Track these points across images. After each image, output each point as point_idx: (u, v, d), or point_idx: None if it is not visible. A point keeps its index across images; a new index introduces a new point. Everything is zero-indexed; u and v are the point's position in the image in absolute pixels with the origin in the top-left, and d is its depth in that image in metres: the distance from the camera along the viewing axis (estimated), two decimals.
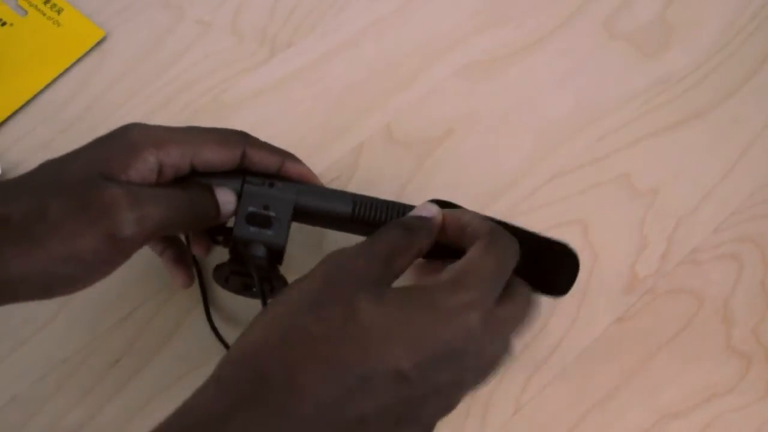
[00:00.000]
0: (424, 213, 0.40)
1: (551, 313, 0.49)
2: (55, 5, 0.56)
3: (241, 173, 0.42)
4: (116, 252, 0.37)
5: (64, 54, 0.54)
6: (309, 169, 0.44)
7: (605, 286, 0.50)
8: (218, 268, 0.43)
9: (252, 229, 0.41)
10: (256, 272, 0.41)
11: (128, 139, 0.39)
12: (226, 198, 0.41)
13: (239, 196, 0.42)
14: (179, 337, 0.47)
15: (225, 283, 0.44)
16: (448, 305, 0.32)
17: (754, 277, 0.51)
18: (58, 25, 0.55)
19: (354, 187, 0.49)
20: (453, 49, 0.56)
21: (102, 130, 0.39)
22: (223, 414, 0.30)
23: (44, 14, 0.55)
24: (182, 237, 0.47)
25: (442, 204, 0.41)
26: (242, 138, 0.42)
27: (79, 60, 0.55)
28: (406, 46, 0.56)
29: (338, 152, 0.53)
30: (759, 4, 0.59)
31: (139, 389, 0.46)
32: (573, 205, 0.52)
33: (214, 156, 0.41)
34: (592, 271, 0.50)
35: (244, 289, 0.44)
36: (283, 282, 0.43)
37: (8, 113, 0.53)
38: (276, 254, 0.42)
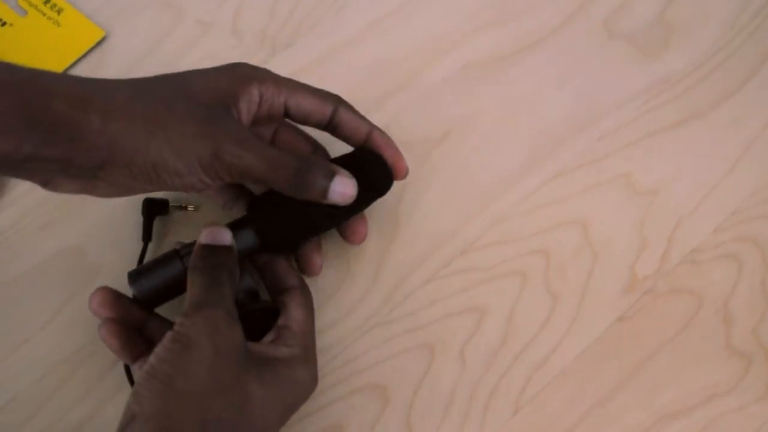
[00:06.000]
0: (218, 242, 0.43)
1: (551, 313, 0.49)
2: (55, 5, 0.56)
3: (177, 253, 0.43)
4: (215, 166, 0.40)
5: (64, 54, 0.54)
6: (395, 144, 0.46)
7: (605, 286, 0.50)
8: None
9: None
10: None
11: (238, 72, 0.43)
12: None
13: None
14: None
15: None
16: (305, 380, 0.42)
17: (754, 277, 0.51)
18: (58, 25, 0.55)
19: None
20: (453, 49, 0.56)
21: None
22: None
23: (44, 14, 0.55)
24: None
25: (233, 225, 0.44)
26: (337, 98, 0.45)
27: (79, 60, 0.55)
28: (406, 46, 0.56)
29: (338, 152, 0.53)
30: (759, 4, 0.59)
31: None
32: (573, 205, 0.52)
33: (307, 103, 0.44)
34: (592, 271, 0.50)
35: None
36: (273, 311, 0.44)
37: None
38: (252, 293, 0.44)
